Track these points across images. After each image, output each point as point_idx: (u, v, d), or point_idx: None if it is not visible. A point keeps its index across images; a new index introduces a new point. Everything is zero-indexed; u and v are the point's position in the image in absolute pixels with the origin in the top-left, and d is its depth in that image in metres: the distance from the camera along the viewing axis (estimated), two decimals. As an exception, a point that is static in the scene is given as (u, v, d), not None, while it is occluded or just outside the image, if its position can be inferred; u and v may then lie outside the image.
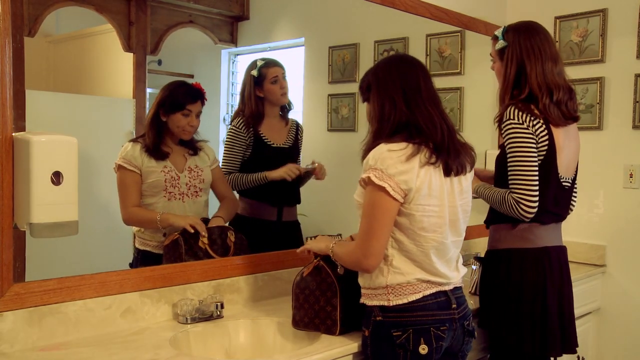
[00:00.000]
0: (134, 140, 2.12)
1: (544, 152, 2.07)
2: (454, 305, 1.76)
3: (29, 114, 1.72)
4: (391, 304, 1.70)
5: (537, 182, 2.03)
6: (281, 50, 2.79)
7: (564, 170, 2.15)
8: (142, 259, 2.13)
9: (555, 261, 2.14)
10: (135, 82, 2.20)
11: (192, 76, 2.46)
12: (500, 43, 2.17)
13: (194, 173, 2.22)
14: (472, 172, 1.85)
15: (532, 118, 2.05)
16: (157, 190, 2.13)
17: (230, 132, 2.50)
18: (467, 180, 1.81)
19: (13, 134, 1.62)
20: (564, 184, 2.16)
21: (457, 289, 1.82)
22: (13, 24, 1.61)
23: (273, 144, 2.53)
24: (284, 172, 2.46)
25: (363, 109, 3.07)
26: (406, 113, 1.71)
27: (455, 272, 1.80)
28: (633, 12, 3.00)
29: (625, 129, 3.06)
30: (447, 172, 1.72)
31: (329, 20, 2.99)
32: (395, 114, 1.72)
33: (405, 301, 1.70)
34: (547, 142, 2.07)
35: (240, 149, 2.48)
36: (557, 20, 3.24)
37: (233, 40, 2.59)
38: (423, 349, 1.69)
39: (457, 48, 3.18)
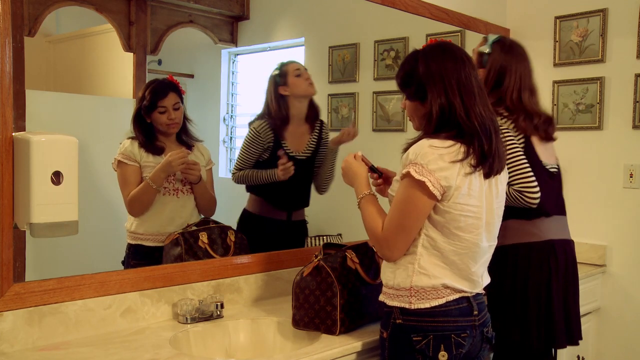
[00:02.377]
0: (132, 138, 2.13)
1: (522, 144, 2.15)
2: (475, 312, 1.72)
3: (29, 114, 1.72)
4: (412, 307, 1.66)
5: (530, 169, 2.08)
6: (281, 50, 2.79)
7: (545, 157, 2.21)
8: (134, 254, 2.13)
9: (562, 254, 2.15)
10: (136, 82, 2.20)
11: (192, 76, 2.46)
12: (484, 48, 2.23)
13: None
14: (507, 175, 1.82)
15: (502, 119, 2.15)
16: None
17: (250, 133, 2.52)
18: (502, 184, 1.77)
19: (13, 134, 1.62)
20: (550, 170, 2.19)
21: (479, 295, 1.77)
22: (13, 23, 1.61)
23: (291, 152, 2.54)
24: (281, 174, 2.47)
25: (363, 108, 3.09)
26: (463, 111, 1.65)
27: (480, 280, 1.76)
28: (633, 12, 3.00)
29: (625, 129, 3.06)
30: (487, 175, 1.68)
31: (329, 20, 2.99)
32: (454, 113, 1.65)
33: (427, 305, 1.65)
34: (522, 135, 2.15)
35: (257, 151, 2.50)
36: (557, 20, 3.24)
37: (233, 40, 2.59)
38: (443, 356, 1.66)
39: (457, 48, 3.18)
